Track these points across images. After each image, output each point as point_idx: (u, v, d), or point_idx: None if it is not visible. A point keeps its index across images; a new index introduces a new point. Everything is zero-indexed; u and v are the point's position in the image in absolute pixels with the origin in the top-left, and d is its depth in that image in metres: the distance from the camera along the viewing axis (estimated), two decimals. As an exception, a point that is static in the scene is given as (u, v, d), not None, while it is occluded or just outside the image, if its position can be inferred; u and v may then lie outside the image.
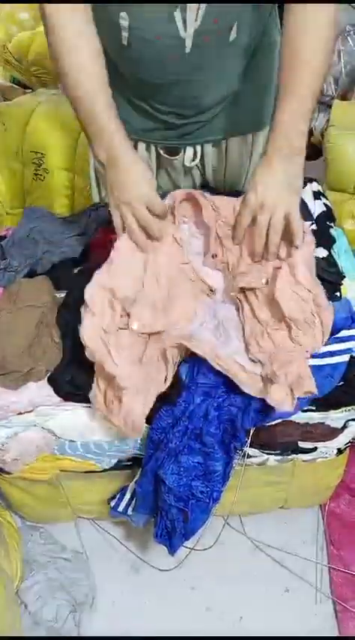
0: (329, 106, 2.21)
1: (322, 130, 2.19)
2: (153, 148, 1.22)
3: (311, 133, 2.51)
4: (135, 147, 1.19)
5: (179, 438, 1.03)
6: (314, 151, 2.38)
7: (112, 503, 1.24)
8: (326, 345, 1.04)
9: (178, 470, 1.04)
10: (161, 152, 1.22)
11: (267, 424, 1.11)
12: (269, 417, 1.02)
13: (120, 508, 1.23)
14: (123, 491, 1.24)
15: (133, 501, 1.20)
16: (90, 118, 0.96)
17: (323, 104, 2.64)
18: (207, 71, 1.02)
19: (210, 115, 1.13)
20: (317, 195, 1.32)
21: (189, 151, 1.21)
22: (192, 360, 1.04)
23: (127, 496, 1.24)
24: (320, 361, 1.04)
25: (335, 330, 1.06)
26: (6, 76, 2.99)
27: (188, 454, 1.04)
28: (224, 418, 1.03)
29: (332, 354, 1.05)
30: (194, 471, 1.06)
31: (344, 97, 2.53)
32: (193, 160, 1.23)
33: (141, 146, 1.21)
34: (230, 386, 1.02)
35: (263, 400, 0.99)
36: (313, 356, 1.04)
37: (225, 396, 1.03)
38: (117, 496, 1.25)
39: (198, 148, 1.22)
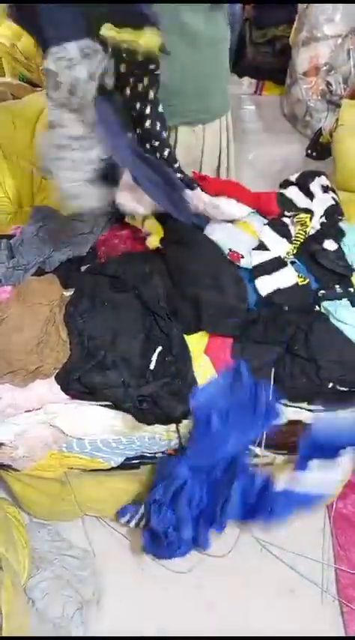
0: (338, 106, 2.20)
1: (331, 130, 2.18)
2: None
3: (320, 132, 2.50)
4: None
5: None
6: (323, 150, 2.37)
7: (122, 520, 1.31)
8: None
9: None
10: None
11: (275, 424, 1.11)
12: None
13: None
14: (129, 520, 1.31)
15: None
16: None
17: (332, 103, 2.63)
18: None
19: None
20: (325, 189, 1.33)
21: None
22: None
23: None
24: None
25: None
26: (15, 74, 3.01)
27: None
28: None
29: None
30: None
31: (353, 97, 2.52)
32: None
33: None
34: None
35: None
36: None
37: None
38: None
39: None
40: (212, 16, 1.25)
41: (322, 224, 1.27)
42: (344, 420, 1.08)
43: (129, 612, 1.41)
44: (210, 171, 1.49)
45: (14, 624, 1.14)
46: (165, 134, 1.12)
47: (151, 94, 1.04)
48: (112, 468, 1.23)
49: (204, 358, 1.09)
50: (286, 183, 1.39)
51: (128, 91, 1.04)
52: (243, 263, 1.20)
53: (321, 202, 1.31)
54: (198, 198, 1.23)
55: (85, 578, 1.42)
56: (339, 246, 1.22)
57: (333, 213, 1.30)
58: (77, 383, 1.05)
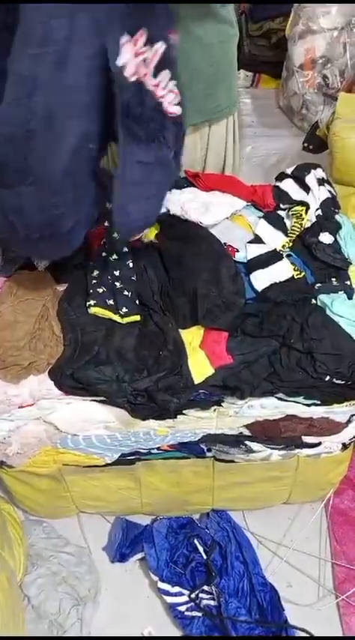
0: (335, 99, 2.19)
1: (327, 123, 2.17)
2: None
3: (316, 125, 2.48)
4: None
5: None
6: (320, 144, 2.36)
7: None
8: None
9: None
10: None
11: (271, 419, 1.10)
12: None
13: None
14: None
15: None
16: None
17: (329, 96, 2.62)
18: None
19: None
20: (321, 181, 1.32)
21: None
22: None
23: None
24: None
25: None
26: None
27: None
28: None
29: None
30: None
31: (349, 90, 2.51)
32: None
33: None
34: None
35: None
36: None
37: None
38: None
39: None
40: (221, 18, 1.23)
41: (318, 217, 1.26)
42: None
43: (126, 608, 1.40)
44: (214, 170, 1.46)
45: (10, 622, 1.14)
46: None
47: None
48: (107, 464, 1.23)
49: (200, 352, 1.08)
50: (282, 176, 1.38)
51: None
52: (238, 257, 1.19)
53: (317, 195, 1.30)
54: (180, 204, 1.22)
55: (81, 574, 1.41)
56: (335, 239, 1.22)
57: (329, 206, 1.30)
58: (71, 378, 1.04)
